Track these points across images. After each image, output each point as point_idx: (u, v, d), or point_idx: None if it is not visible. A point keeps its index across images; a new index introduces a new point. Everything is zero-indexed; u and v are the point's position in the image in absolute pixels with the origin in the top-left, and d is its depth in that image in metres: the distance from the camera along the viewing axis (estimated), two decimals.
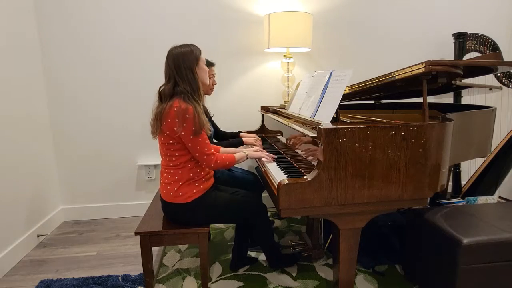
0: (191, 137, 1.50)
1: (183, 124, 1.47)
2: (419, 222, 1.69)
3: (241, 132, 2.35)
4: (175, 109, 1.48)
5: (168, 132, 1.53)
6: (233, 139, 2.16)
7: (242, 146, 2.09)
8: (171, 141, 1.55)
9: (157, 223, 1.66)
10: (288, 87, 2.65)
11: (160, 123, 1.52)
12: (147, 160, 2.78)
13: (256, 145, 2.06)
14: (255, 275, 1.89)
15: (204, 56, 1.65)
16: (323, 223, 2.07)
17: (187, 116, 1.47)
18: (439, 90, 2.28)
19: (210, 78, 2.06)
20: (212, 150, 1.57)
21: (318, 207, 1.32)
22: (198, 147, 1.52)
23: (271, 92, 2.82)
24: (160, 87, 1.58)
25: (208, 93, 2.13)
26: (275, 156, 1.81)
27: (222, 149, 1.91)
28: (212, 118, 2.26)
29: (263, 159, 1.78)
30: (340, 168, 1.30)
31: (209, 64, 2.06)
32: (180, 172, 1.59)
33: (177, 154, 1.57)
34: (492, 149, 2.17)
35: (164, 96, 1.55)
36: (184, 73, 1.53)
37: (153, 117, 1.56)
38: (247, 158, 1.73)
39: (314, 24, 2.65)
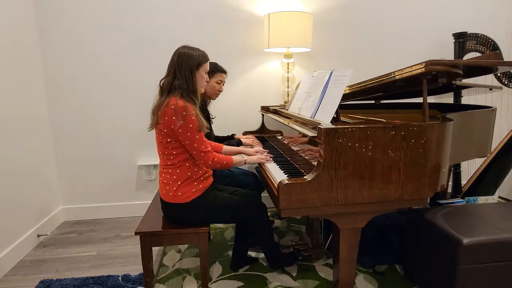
0: (188, 134, 1.50)
1: (180, 121, 1.48)
2: (419, 222, 1.69)
3: (235, 135, 2.35)
4: (172, 107, 1.49)
5: (165, 130, 1.53)
6: (232, 141, 2.15)
7: (241, 146, 2.10)
8: (168, 139, 1.56)
9: (157, 223, 1.66)
10: (288, 87, 2.64)
11: (157, 119, 1.54)
12: (147, 160, 2.78)
13: (254, 145, 2.06)
14: (255, 275, 1.89)
15: (208, 64, 1.67)
16: (323, 223, 2.07)
17: (184, 113, 1.48)
18: (439, 90, 2.28)
19: (218, 83, 2.09)
20: (209, 148, 1.58)
21: (318, 207, 1.32)
22: (195, 145, 1.52)
23: (271, 92, 2.82)
24: (161, 80, 1.61)
25: (212, 98, 2.14)
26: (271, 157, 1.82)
27: (225, 147, 1.92)
28: (213, 120, 2.26)
29: (261, 161, 1.79)
30: (340, 168, 1.30)
31: (222, 71, 2.09)
32: (178, 171, 1.59)
33: (174, 152, 1.58)
34: (492, 149, 2.17)
35: (163, 90, 1.58)
36: (183, 71, 1.56)
37: (151, 110, 1.59)
38: (245, 164, 1.74)
39: (314, 24, 2.65)
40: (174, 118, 1.48)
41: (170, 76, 1.57)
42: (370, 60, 2.84)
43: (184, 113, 1.48)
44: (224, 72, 2.11)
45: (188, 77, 1.56)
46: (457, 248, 1.41)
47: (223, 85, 2.15)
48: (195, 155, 1.56)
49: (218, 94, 2.15)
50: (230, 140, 2.19)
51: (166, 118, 1.50)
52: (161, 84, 1.60)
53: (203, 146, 1.54)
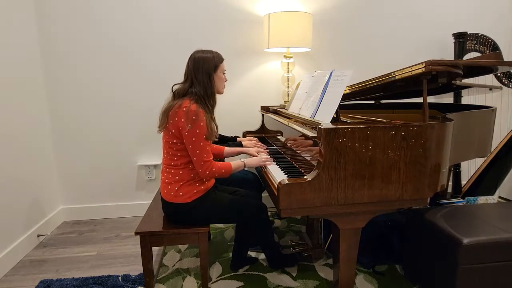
0: (194, 139, 1.50)
1: (189, 124, 1.48)
2: (419, 222, 1.69)
3: (237, 137, 2.34)
4: (184, 109, 1.49)
5: (173, 131, 1.54)
6: (232, 143, 2.14)
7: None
8: (175, 140, 1.56)
9: (157, 223, 1.66)
10: (288, 87, 2.64)
11: (167, 120, 1.54)
12: (147, 160, 2.78)
13: (256, 148, 2.05)
14: (255, 275, 1.89)
15: (224, 64, 1.68)
16: (323, 223, 2.07)
17: (194, 117, 1.48)
18: (439, 90, 2.28)
19: (223, 74, 2.07)
20: (211, 158, 1.57)
21: (318, 207, 1.32)
22: (197, 151, 1.52)
23: (271, 92, 2.82)
24: (174, 85, 1.62)
25: (221, 92, 2.12)
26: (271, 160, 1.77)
27: (227, 148, 1.92)
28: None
29: (262, 164, 1.73)
30: (340, 168, 1.30)
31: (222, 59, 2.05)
32: (181, 172, 1.59)
33: (179, 154, 1.58)
34: (492, 149, 2.17)
35: (177, 94, 1.59)
36: (201, 77, 1.57)
37: (161, 112, 1.58)
38: (244, 167, 1.71)
39: (314, 24, 2.65)
40: (183, 120, 1.49)
41: (188, 83, 1.58)
42: (370, 60, 2.84)
43: (194, 117, 1.48)
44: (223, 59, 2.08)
45: (206, 82, 1.57)
46: (457, 248, 1.41)
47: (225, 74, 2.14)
48: (195, 162, 1.55)
49: (225, 86, 2.13)
50: (231, 142, 2.18)
51: (176, 119, 1.51)
52: (173, 90, 1.61)
53: (204, 155, 1.53)
